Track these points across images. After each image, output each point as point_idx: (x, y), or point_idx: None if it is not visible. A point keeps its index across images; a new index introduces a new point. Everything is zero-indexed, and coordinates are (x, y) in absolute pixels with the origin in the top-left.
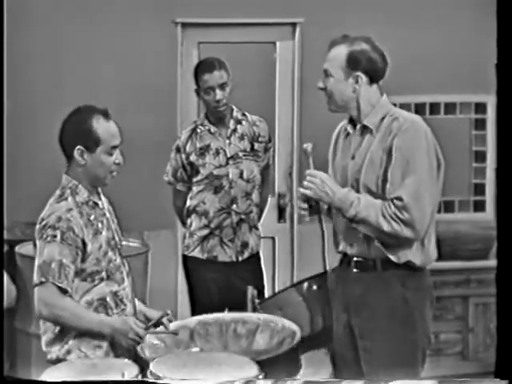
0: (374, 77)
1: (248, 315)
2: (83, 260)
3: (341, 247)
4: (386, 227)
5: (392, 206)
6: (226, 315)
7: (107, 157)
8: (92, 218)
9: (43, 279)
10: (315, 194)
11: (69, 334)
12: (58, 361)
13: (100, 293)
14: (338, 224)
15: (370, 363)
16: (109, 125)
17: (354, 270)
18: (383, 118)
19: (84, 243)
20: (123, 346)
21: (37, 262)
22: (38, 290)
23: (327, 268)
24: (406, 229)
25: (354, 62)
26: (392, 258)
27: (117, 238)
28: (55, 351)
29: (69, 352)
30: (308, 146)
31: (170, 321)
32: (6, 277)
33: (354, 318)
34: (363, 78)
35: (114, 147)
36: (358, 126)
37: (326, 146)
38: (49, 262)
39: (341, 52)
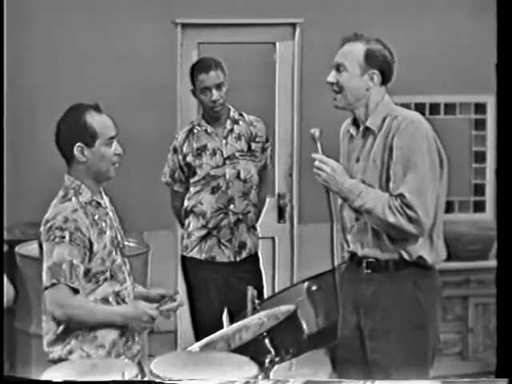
0: (387, 77)
1: (248, 320)
2: (90, 260)
3: (351, 247)
4: (391, 219)
5: (398, 200)
6: (228, 329)
7: (107, 148)
8: (96, 217)
9: (55, 281)
10: (324, 180)
11: (71, 334)
12: (59, 360)
13: (103, 293)
14: (346, 224)
15: (382, 364)
16: (102, 117)
17: (366, 271)
18: (385, 119)
19: (91, 243)
20: (136, 331)
21: (46, 264)
22: (50, 292)
23: (335, 263)
24: (410, 224)
25: (371, 59)
26: (404, 254)
27: (119, 237)
28: (57, 351)
29: (71, 352)
30: (315, 131)
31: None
32: (4, 277)
33: (364, 319)
34: (378, 77)
35: (112, 138)
36: (361, 128)
37: (325, 145)
38: (59, 263)
39: (358, 48)
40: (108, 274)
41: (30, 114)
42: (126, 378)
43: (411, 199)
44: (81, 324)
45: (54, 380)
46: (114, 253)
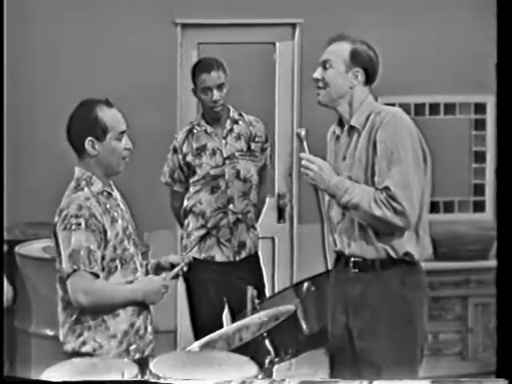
0: (371, 77)
1: (248, 320)
2: (105, 246)
3: (338, 247)
4: (377, 212)
5: (384, 193)
6: (228, 328)
7: (117, 143)
8: (108, 206)
9: (75, 267)
10: (311, 179)
11: (83, 325)
12: (73, 352)
13: (116, 283)
14: (333, 223)
15: (370, 364)
16: (113, 112)
17: (353, 271)
18: (369, 117)
19: (105, 230)
20: (156, 303)
21: (66, 253)
22: (72, 279)
23: (328, 264)
24: (396, 217)
25: (356, 57)
26: (390, 251)
27: (131, 229)
28: (71, 343)
29: (84, 343)
30: (301, 131)
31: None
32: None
33: (352, 319)
34: (362, 76)
35: (122, 132)
36: (346, 127)
37: (324, 145)
38: (78, 250)
39: (344, 46)
40: (118, 262)
41: (29, 113)
42: (126, 377)
43: (396, 191)
44: (104, 307)
45: (54, 380)
46: (125, 242)
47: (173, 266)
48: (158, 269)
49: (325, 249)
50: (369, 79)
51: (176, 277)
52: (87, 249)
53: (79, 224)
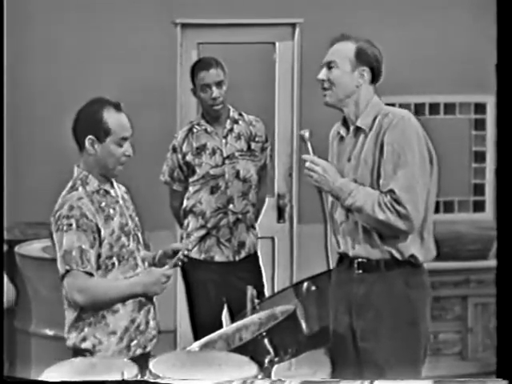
0: (376, 76)
1: (248, 320)
2: (99, 245)
3: (342, 248)
4: (381, 216)
5: (388, 196)
6: (227, 329)
7: (117, 148)
8: (103, 204)
9: (68, 267)
10: (315, 181)
11: (84, 321)
12: (74, 348)
13: (115, 279)
14: (336, 224)
15: (373, 364)
16: (119, 116)
17: (357, 272)
18: (375, 118)
19: (98, 229)
20: (157, 294)
21: (59, 254)
22: (67, 279)
23: (330, 264)
24: (399, 220)
25: (362, 56)
26: (395, 253)
27: (131, 224)
28: (73, 338)
29: (84, 339)
30: (305, 132)
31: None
32: (5, 277)
33: (356, 319)
34: (368, 74)
35: (124, 139)
36: (352, 128)
37: (325, 145)
38: (69, 250)
39: (348, 46)
40: (115, 260)
41: (29, 114)
42: (126, 377)
43: (400, 195)
44: (102, 303)
45: (54, 380)
46: (123, 238)
47: (175, 253)
48: (164, 257)
49: (327, 249)
50: (374, 78)
51: (177, 264)
52: (79, 249)
53: (70, 225)
